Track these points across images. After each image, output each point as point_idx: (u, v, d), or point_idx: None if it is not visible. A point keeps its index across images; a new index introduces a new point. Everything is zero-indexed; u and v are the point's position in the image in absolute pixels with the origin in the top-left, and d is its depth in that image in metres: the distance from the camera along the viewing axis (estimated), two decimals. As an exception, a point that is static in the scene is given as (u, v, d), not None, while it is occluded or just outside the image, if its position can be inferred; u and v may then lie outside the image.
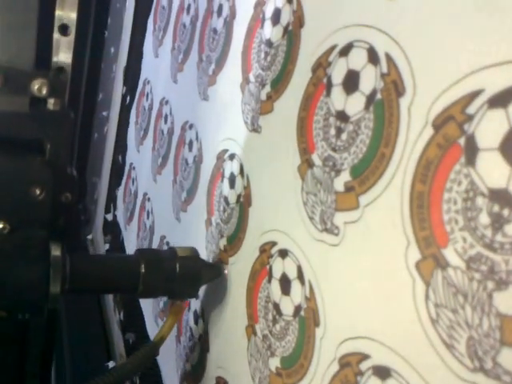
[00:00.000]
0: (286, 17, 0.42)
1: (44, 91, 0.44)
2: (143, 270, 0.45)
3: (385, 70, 0.31)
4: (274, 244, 0.42)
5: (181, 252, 0.47)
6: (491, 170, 0.24)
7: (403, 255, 0.29)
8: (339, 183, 0.34)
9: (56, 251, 0.42)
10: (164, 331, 0.48)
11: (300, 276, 0.38)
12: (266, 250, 0.43)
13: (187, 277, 0.46)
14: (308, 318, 0.36)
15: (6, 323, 0.49)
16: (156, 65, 0.80)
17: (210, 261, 0.53)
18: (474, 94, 0.25)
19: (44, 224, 0.44)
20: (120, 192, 1.00)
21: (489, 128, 0.24)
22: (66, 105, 0.47)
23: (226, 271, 0.49)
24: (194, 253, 0.48)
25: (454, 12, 0.27)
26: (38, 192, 0.43)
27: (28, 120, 0.44)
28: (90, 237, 1.26)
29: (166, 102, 0.73)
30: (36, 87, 0.43)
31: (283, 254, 0.40)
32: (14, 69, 0.43)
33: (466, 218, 0.25)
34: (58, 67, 0.52)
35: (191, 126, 0.62)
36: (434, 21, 0.28)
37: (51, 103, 0.45)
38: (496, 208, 0.24)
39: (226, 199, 0.51)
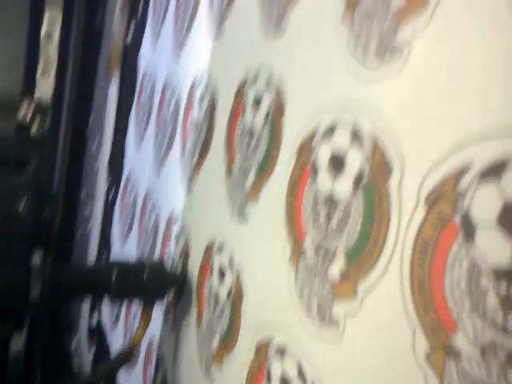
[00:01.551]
0: (266, 105, 0.42)
1: (28, 117, 0.54)
2: (115, 275, 0.51)
3: (369, 151, 0.30)
4: (270, 341, 0.39)
5: (149, 262, 0.54)
6: (492, 248, 0.23)
7: (411, 346, 0.27)
8: (334, 271, 0.33)
9: (37, 259, 0.48)
10: (136, 338, 0.54)
11: (301, 374, 0.35)
12: (262, 347, 0.40)
13: (153, 282, 0.53)
14: (313, 421, 0.33)
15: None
16: (139, 160, 0.80)
17: (203, 365, 0.49)
18: (463, 171, 0.24)
19: (27, 236, 0.51)
20: (105, 292, 0.96)
21: (483, 203, 0.24)
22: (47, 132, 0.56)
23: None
24: (160, 263, 0.55)
25: (433, 92, 0.27)
26: (21, 207, 0.51)
27: (14, 143, 0.53)
28: (73, 344, 1.19)
29: (150, 197, 0.72)
30: (21, 114, 0.53)
31: (281, 351, 0.37)
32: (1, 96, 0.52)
33: (472, 301, 0.24)
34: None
35: (176, 220, 0.61)
36: (416, 102, 0.28)
37: (34, 129, 0.54)
38: (503, 288, 0.22)
39: (216, 294, 0.49)
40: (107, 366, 0.53)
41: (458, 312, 0.24)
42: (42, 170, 0.55)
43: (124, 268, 0.53)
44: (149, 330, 0.69)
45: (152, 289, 0.53)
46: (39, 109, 0.54)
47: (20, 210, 0.51)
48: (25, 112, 0.53)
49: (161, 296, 0.55)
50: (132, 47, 0.88)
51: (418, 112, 0.28)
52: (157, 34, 0.76)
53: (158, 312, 0.64)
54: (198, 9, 0.61)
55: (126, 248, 0.84)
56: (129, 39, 0.90)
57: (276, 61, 0.42)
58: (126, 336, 0.80)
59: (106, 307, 0.95)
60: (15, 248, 0.49)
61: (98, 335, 0.98)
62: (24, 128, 0.54)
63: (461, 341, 0.24)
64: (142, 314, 0.54)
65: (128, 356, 0.54)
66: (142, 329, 0.54)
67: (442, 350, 0.25)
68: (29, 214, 0.51)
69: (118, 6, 0.89)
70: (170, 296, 0.60)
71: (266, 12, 0.44)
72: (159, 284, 0.53)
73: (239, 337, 0.44)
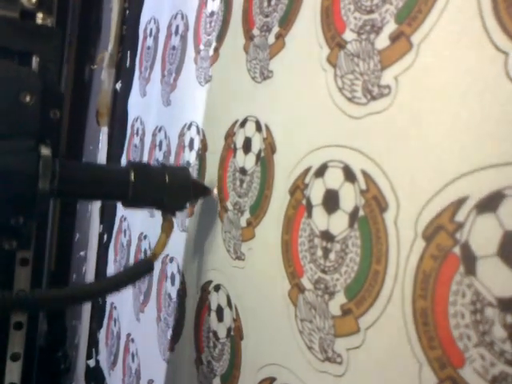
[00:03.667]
0: (257, 145, 0.43)
1: (33, 3, 0.47)
2: (132, 177, 0.45)
3: (363, 186, 0.30)
4: (272, 380, 0.38)
5: (170, 165, 0.49)
6: (495, 278, 0.23)
7: (417, 381, 0.26)
8: (335, 306, 0.32)
9: (46, 151, 0.42)
10: (157, 249, 0.48)
11: (307, 415, 0.34)
12: (264, 387, 0.39)
13: (176, 188, 0.47)
14: None
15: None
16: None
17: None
18: (460, 202, 0.24)
19: (33, 131, 0.45)
20: (102, 334, 0.94)
21: (482, 234, 0.23)
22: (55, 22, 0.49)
23: (215, 192, 0.50)
24: (184, 168, 0.49)
25: (423, 126, 0.27)
26: (27, 98, 0.45)
27: (17, 29, 0.47)
28: (71, 387, 1.16)
29: (145, 237, 0.72)
30: (25, -1, 0.45)
31: (284, 390, 0.36)
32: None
33: (478, 333, 0.23)
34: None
35: (172, 259, 0.60)
36: (406, 135, 0.28)
37: (40, 17, 0.47)
38: (509, 318, 0.22)
39: (215, 334, 0.48)
40: (126, 273, 0.47)
41: (464, 344, 0.24)
42: (49, 64, 0.50)
43: (144, 168, 0.47)
44: (147, 371, 0.67)
45: (174, 194, 0.47)
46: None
47: (26, 101, 0.45)
48: None
49: (183, 204, 0.49)
50: (121, 94, 0.89)
51: (408, 146, 0.28)
52: (146, 80, 0.77)
53: (156, 353, 0.63)
54: (185, 54, 0.61)
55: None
56: (118, 86, 0.91)
57: (265, 102, 0.42)
58: (124, 381, 0.78)
59: (103, 347, 0.92)
60: (21, 140, 0.43)
61: (95, 375, 0.95)
62: (29, 15, 0.48)
63: (469, 374, 0.23)
64: (163, 223, 0.49)
65: (148, 268, 0.47)
66: (164, 239, 0.48)
67: (450, 385, 0.24)
68: (35, 107, 0.46)
69: (107, 57, 0.91)
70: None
71: (252, 56, 0.45)
72: (183, 189, 0.47)
73: (241, 377, 0.43)
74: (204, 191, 0.50)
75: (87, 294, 0.44)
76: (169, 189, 0.46)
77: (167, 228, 0.49)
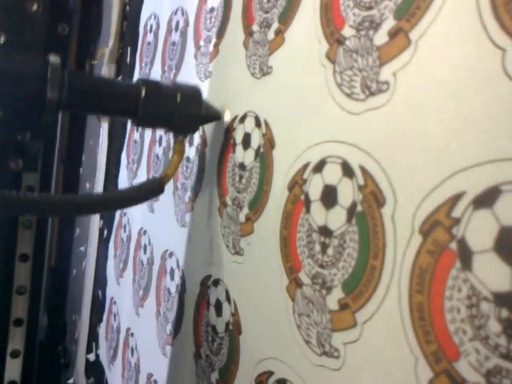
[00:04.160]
0: (256, 140, 0.43)
1: None
2: (143, 93, 0.44)
3: (361, 182, 0.31)
4: (270, 374, 0.38)
5: (183, 85, 0.47)
6: (491, 273, 0.23)
7: (413, 374, 0.26)
8: (332, 301, 0.32)
9: (54, 59, 0.40)
10: (169, 170, 0.47)
11: (304, 408, 0.34)
12: (262, 381, 0.39)
13: (188, 108, 0.46)
14: None
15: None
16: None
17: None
18: (457, 197, 0.25)
19: (41, 42, 0.46)
20: (102, 329, 0.95)
21: (479, 229, 0.24)
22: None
23: (226, 116, 0.48)
24: (196, 89, 0.47)
25: (421, 121, 0.27)
26: (34, 7, 0.47)
27: None
28: (71, 381, 1.17)
29: (145, 232, 0.72)
30: None
31: (281, 383, 0.37)
32: None
33: (473, 327, 0.23)
34: None
35: (171, 254, 0.61)
36: (404, 131, 0.28)
37: None
38: (505, 313, 0.22)
39: (213, 328, 0.48)
40: (136, 190, 0.45)
41: (459, 338, 0.24)
42: None
43: (155, 85, 0.45)
44: (146, 365, 0.68)
45: (185, 114, 0.45)
46: None
47: (33, 10, 0.46)
48: None
49: (195, 126, 0.48)
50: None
51: (406, 142, 0.28)
52: (146, 76, 0.77)
53: (155, 347, 0.63)
54: (185, 50, 0.62)
55: (122, 282, 0.83)
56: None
57: (264, 97, 0.42)
58: (124, 375, 0.78)
59: (103, 341, 0.93)
60: (29, 51, 0.44)
61: (95, 370, 0.96)
62: None
63: (464, 368, 0.24)
64: (174, 144, 0.48)
65: (158, 188, 0.46)
66: (176, 161, 0.47)
67: (445, 378, 0.25)
68: (42, 17, 0.46)
69: (107, 53, 0.91)
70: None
71: (252, 52, 0.45)
72: (194, 110, 0.46)
73: (239, 371, 0.43)
74: (215, 114, 0.48)
75: (95, 203, 0.43)
76: (180, 108, 0.45)
77: (178, 150, 0.48)
